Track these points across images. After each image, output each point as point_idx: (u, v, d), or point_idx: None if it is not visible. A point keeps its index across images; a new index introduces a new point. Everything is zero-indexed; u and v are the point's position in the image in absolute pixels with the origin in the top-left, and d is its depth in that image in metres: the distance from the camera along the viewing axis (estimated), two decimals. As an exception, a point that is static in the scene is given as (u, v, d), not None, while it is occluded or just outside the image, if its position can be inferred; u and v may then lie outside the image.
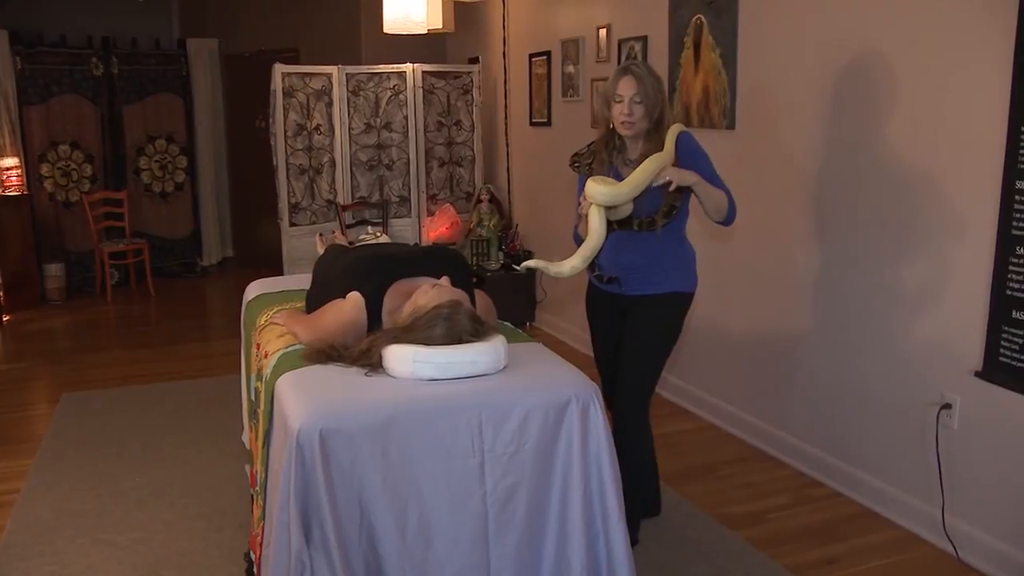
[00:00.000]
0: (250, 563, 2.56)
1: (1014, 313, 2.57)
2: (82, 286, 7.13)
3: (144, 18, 7.89)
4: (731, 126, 3.77)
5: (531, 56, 5.69)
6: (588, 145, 2.87)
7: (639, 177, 2.51)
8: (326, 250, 3.06)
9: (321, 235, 4.19)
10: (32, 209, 6.77)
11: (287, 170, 5.66)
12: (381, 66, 5.95)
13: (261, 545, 2.20)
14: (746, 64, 3.68)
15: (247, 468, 3.05)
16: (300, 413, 1.97)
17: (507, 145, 6.21)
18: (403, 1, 4.66)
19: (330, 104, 5.78)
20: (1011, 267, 2.56)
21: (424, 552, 2.02)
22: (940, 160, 2.81)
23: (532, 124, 5.79)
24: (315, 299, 2.64)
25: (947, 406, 2.83)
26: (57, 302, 6.77)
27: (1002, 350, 2.61)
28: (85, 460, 3.68)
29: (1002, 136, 2.55)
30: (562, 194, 5.17)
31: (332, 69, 5.77)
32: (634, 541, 2.69)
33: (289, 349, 2.40)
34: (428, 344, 2.12)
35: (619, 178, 2.62)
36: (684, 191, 2.61)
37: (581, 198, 2.59)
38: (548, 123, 5.56)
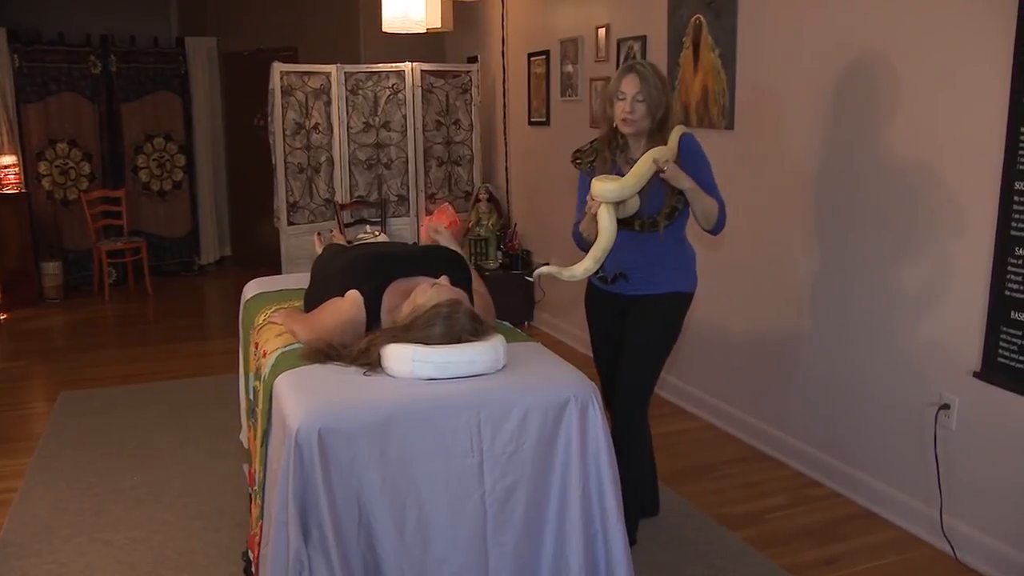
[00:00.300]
0: (248, 562, 2.56)
1: (1013, 314, 2.57)
2: (80, 284, 7.12)
3: (142, 16, 7.88)
4: (730, 126, 3.77)
5: (530, 55, 5.69)
6: (591, 142, 2.86)
7: (643, 166, 2.50)
8: (324, 249, 3.05)
9: (319, 234, 4.17)
10: (30, 207, 6.77)
11: (285, 169, 5.65)
12: (380, 65, 5.95)
13: (259, 544, 2.19)
14: (745, 64, 3.68)
15: (245, 467, 3.05)
16: (299, 412, 1.96)
17: (506, 144, 6.21)
18: (402, 0, 4.65)
19: (329, 103, 5.78)
20: (1010, 268, 2.56)
21: (422, 551, 2.02)
22: (939, 160, 2.81)
23: (531, 123, 5.78)
24: (313, 298, 2.63)
25: (945, 407, 2.83)
26: (55, 300, 6.76)
27: (1001, 351, 2.61)
28: (83, 459, 3.67)
29: (1001, 136, 2.55)
30: (561, 193, 5.17)
31: (331, 68, 5.76)
32: (632, 541, 2.68)
33: (287, 348, 2.39)
34: (427, 343, 2.12)
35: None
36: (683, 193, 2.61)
37: (589, 198, 2.59)
38: (547, 122, 5.55)
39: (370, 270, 2.46)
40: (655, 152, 2.52)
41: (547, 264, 2.62)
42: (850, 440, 3.27)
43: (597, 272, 2.81)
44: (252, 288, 3.31)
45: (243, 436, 3.18)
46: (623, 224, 2.64)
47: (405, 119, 6.01)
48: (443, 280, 2.32)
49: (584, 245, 2.76)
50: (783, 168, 3.54)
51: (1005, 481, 2.68)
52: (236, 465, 3.46)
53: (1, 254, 6.32)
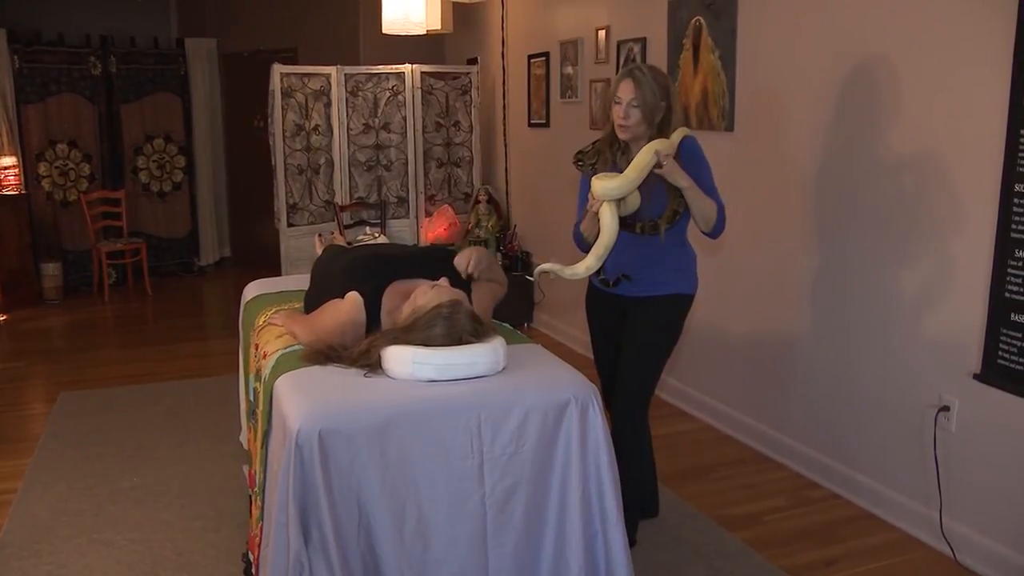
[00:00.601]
0: (248, 563, 2.56)
1: (1013, 316, 2.57)
2: (79, 285, 7.12)
3: (142, 17, 7.88)
4: (730, 128, 3.78)
5: (530, 57, 5.69)
6: (593, 143, 2.87)
7: (644, 158, 2.50)
8: (324, 250, 3.06)
9: (320, 235, 4.19)
10: (29, 208, 6.77)
11: (285, 170, 5.65)
12: (380, 67, 5.95)
13: (260, 545, 2.19)
14: (745, 66, 3.68)
15: (245, 469, 3.05)
16: (299, 414, 1.96)
17: (505, 146, 6.21)
18: (402, 1, 4.65)
19: (329, 104, 5.78)
20: (1010, 269, 2.57)
21: (422, 553, 2.02)
22: (939, 162, 2.81)
23: (530, 125, 5.79)
24: (313, 299, 2.63)
25: (945, 408, 2.83)
26: (54, 301, 6.75)
27: (1000, 353, 2.61)
28: (82, 459, 3.67)
29: (1001, 138, 2.56)
30: (560, 195, 5.18)
31: (331, 69, 5.77)
32: (632, 542, 2.68)
33: (288, 350, 2.39)
34: (428, 344, 2.12)
35: None
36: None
37: (590, 197, 2.59)
38: (547, 124, 5.56)
39: (369, 271, 2.46)
40: (657, 144, 2.52)
41: (548, 263, 2.62)
42: (850, 442, 3.27)
43: (599, 274, 2.81)
44: (252, 289, 3.31)
45: (243, 437, 3.18)
46: (624, 226, 2.64)
47: (405, 121, 6.01)
48: (443, 281, 2.33)
49: (584, 246, 2.76)
50: (783, 170, 3.54)
51: (1005, 483, 2.68)
52: (236, 466, 3.46)
53: (1, 255, 6.32)
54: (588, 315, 3.02)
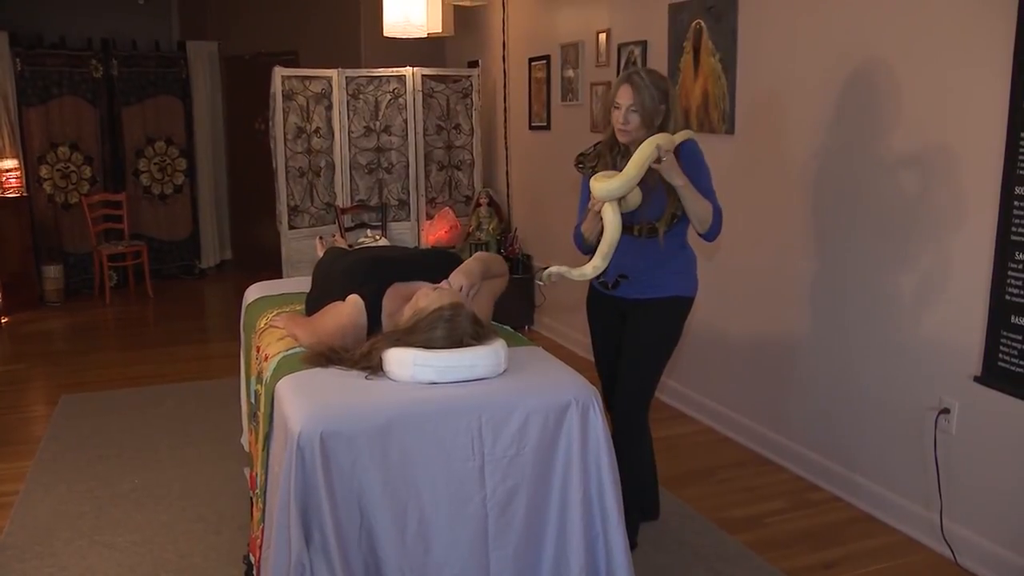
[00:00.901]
0: (249, 566, 2.56)
1: (1013, 318, 2.57)
2: (81, 288, 7.12)
3: (144, 20, 7.89)
4: (730, 131, 3.78)
5: (531, 60, 5.70)
6: (594, 145, 2.88)
7: (644, 152, 2.50)
8: (325, 253, 3.06)
9: (321, 238, 4.20)
10: (31, 211, 6.78)
11: (286, 173, 5.66)
12: (381, 69, 5.96)
13: (261, 548, 2.20)
14: (745, 69, 3.69)
15: (246, 471, 3.05)
16: (301, 416, 1.97)
17: (506, 149, 6.22)
18: (403, 5, 4.66)
19: (330, 107, 5.79)
20: (1010, 272, 2.57)
21: (423, 555, 2.03)
22: (939, 164, 2.82)
23: (531, 128, 5.79)
24: (315, 302, 2.64)
25: (946, 411, 2.83)
26: (56, 304, 6.76)
27: (1001, 355, 2.62)
28: (83, 462, 3.67)
29: (1001, 140, 2.56)
30: (561, 197, 5.18)
31: (332, 72, 5.77)
32: (632, 544, 2.68)
33: (289, 352, 2.40)
34: (430, 346, 2.13)
35: None
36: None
37: (591, 197, 2.60)
38: (547, 127, 5.56)
39: (370, 273, 2.47)
40: (659, 138, 2.52)
41: (555, 266, 2.62)
42: (850, 444, 3.28)
43: (599, 277, 2.81)
44: (254, 292, 3.32)
45: (244, 440, 3.19)
46: (624, 229, 2.64)
47: (406, 123, 6.02)
48: (444, 284, 2.33)
49: (585, 247, 2.77)
50: (783, 172, 3.54)
51: (1005, 485, 2.68)
52: (237, 468, 3.46)
53: (2, 257, 6.33)
54: (588, 317, 3.02)
